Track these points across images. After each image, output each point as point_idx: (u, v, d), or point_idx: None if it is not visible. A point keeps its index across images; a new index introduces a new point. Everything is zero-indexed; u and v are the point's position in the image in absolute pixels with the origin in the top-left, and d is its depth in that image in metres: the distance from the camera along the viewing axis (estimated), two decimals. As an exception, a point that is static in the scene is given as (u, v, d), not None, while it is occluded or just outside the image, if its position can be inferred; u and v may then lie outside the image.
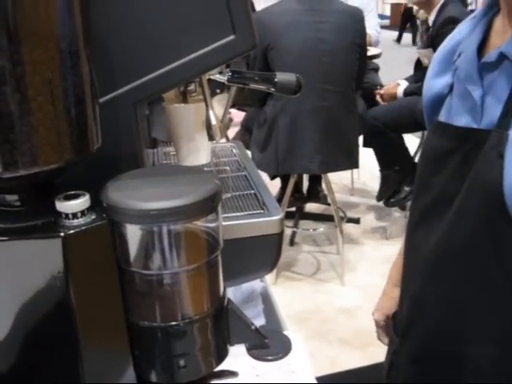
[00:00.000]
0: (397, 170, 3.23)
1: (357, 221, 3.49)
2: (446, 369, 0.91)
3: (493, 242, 0.81)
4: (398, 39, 12.71)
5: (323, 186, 3.33)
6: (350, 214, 3.50)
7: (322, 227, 3.42)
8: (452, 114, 0.89)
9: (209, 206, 0.66)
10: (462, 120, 0.86)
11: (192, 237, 0.69)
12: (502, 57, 0.80)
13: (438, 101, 0.94)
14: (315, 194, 3.51)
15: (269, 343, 0.82)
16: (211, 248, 0.71)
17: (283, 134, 2.71)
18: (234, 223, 0.91)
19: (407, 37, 12.12)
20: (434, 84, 0.95)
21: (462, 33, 0.93)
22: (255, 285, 1.16)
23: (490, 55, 0.82)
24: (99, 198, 0.66)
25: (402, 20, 12.47)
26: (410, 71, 3.46)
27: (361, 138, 3.24)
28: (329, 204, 3.16)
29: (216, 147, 1.22)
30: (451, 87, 0.91)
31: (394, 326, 1.07)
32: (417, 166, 0.98)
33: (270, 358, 0.88)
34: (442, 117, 0.92)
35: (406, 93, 3.24)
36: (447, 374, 0.91)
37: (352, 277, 3.01)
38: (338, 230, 3.02)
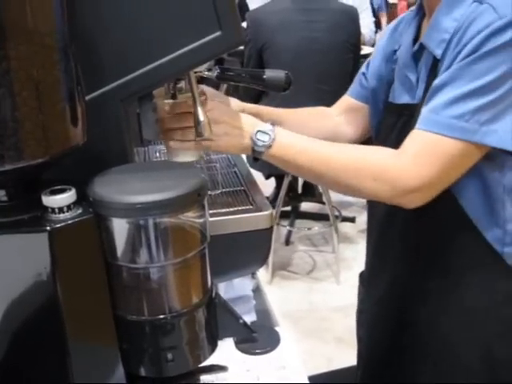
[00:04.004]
0: None
1: (352, 220, 3.49)
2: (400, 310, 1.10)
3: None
4: None
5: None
6: (346, 213, 3.50)
7: (317, 226, 3.42)
8: (395, 95, 1.09)
9: (195, 199, 0.67)
10: (403, 99, 1.06)
11: (178, 230, 0.69)
12: (422, 46, 1.01)
13: (385, 85, 1.14)
14: (311, 191, 3.51)
15: (257, 337, 0.83)
16: (198, 242, 0.71)
17: (278, 134, 2.71)
18: (223, 219, 0.91)
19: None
20: (381, 71, 1.17)
21: (397, 30, 1.15)
22: (247, 281, 1.17)
23: (415, 46, 1.04)
24: (86, 192, 0.66)
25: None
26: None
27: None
28: (324, 203, 3.16)
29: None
30: (395, 73, 1.10)
31: (361, 281, 1.27)
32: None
33: (258, 351, 0.88)
34: (390, 97, 1.11)
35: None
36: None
37: (347, 275, 3.00)
38: (333, 228, 3.02)
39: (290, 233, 3.41)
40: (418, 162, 0.90)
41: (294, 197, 3.43)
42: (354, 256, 3.19)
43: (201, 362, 0.76)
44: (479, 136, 0.88)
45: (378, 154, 0.95)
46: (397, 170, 0.91)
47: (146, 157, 1.21)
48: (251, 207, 0.95)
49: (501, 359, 1.01)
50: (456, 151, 0.89)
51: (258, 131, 0.93)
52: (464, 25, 0.90)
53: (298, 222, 3.49)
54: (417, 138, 0.91)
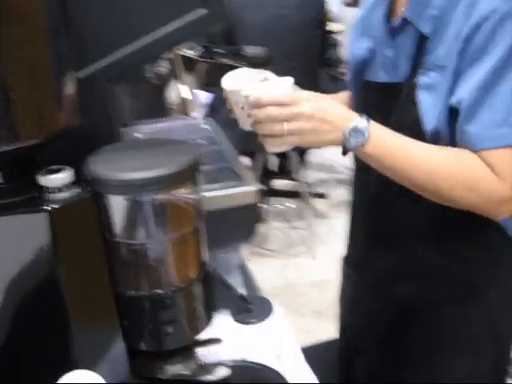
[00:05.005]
0: None
1: (324, 196, 3.53)
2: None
3: None
4: None
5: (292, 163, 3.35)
6: (319, 190, 3.54)
7: (290, 203, 3.45)
8: (374, 73, 1.04)
9: (190, 175, 0.68)
10: (381, 78, 1.02)
11: (174, 206, 0.70)
12: (405, 22, 0.95)
13: (363, 62, 1.07)
14: (285, 170, 3.52)
15: (251, 308, 0.85)
16: (194, 217, 0.73)
17: (249, 112, 2.71)
18: (211, 195, 0.92)
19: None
20: (355, 48, 1.10)
21: (371, 2, 1.08)
22: (232, 256, 1.18)
23: (396, 21, 0.98)
24: (82, 172, 0.67)
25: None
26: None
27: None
28: (297, 180, 3.19)
29: (189, 124, 1.23)
30: (372, 50, 1.05)
31: (348, 265, 1.24)
32: None
33: (253, 321, 0.90)
34: (369, 76, 1.06)
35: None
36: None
37: (322, 250, 3.05)
38: (307, 205, 3.06)
39: (263, 210, 3.43)
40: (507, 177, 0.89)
41: (267, 174, 3.44)
42: (328, 231, 3.24)
43: (198, 333, 0.77)
44: None
45: (472, 164, 0.90)
46: (491, 182, 0.89)
47: (125, 137, 1.21)
48: (237, 183, 0.96)
49: (504, 333, 1.04)
50: None
51: (353, 129, 0.88)
52: (461, 5, 0.88)
53: (272, 200, 3.51)
54: (496, 158, 0.89)
